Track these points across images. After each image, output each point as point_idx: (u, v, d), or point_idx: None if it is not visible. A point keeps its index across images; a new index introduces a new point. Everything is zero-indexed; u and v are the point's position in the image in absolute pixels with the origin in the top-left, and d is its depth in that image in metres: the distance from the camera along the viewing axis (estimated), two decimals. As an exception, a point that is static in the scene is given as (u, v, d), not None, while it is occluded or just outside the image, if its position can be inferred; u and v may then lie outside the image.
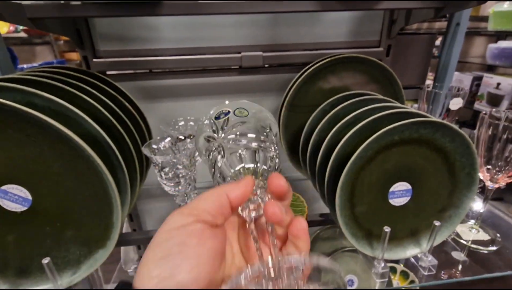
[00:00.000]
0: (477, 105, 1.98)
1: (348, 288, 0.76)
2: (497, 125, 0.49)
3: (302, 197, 0.58)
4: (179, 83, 0.71)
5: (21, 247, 0.41)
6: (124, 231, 0.85)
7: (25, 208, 0.39)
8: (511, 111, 0.53)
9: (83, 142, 0.37)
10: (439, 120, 0.42)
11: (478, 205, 0.60)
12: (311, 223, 0.65)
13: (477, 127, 0.52)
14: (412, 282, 0.85)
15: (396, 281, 0.87)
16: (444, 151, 0.45)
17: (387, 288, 0.66)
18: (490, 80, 1.90)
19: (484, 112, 0.51)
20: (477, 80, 2.00)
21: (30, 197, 0.39)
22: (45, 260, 0.39)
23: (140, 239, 0.64)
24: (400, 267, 0.89)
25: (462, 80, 2.09)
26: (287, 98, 0.64)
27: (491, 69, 2.20)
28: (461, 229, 0.57)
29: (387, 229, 0.44)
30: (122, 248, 0.86)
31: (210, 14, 0.47)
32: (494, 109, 0.53)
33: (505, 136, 0.49)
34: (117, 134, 0.49)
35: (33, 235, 0.41)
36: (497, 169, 0.50)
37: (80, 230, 0.42)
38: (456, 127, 0.43)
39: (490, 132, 0.50)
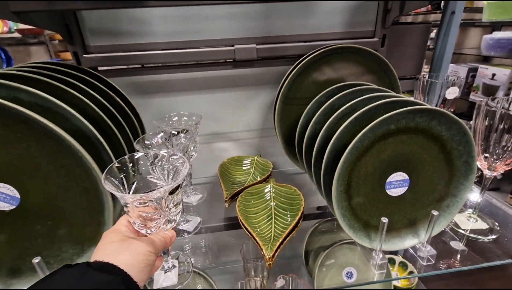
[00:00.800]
0: (472, 96, 1.98)
1: (348, 280, 0.75)
2: (494, 113, 0.48)
3: (299, 191, 0.58)
4: (172, 77, 0.70)
5: (12, 247, 0.40)
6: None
7: (14, 207, 0.38)
8: (507, 98, 0.52)
9: (70, 138, 0.36)
10: (435, 108, 0.42)
11: (475, 195, 0.59)
12: (308, 217, 0.65)
13: (473, 116, 0.51)
14: (411, 272, 0.86)
15: (395, 272, 0.87)
16: (441, 139, 0.44)
17: (385, 279, 0.66)
18: (485, 71, 1.90)
19: (480, 100, 0.50)
20: (473, 72, 2.00)
21: (18, 196, 0.38)
22: (36, 260, 0.38)
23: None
24: (399, 258, 0.89)
25: (457, 71, 2.08)
26: (281, 91, 0.63)
27: (486, 60, 2.20)
28: (459, 218, 0.57)
29: (384, 220, 0.44)
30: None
31: (199, 5, 0.45)
32: (490, 97, 0.53)
33: (501, 124, 0.48)
34: (108, 130, 0.48)
35: (23, 234, 0.40)
36: (494, 157, 0.50)
37: (72, 228, 0.41)
38: (452, 114, 0.42)
39: (486, 121, 0.49)
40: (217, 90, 0.73)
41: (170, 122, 0.62)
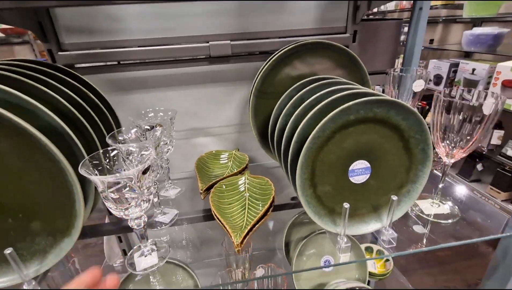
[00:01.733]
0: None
1: (326, 269, 0.78)
2: (451, 103, 0.51)
3: (271, 181, 0.60)
4: (148, 74, 0.71)
5: (-16, 240, 0.41)
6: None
7: (-16, 201, 0.39)
8: (466, 89, 0.55)
9: (38, 132, 0.37)
10: (391, 98, 0.44)
11: (460, 185, 0.62)
12: (284, 207, 0.67)
13: (432, 106, 0.54)
14: (387, 260, 0.89)
15: (373, 260, 0.90)
16: (399, 128, 0.47)
17: (356, 260, 0.69)
18: (466, 66, 1.95)
19: (438, 91, 0.53)
20: (454, 67, 2.06)
21: (-12, 189, 0.39)
22: (8, 251, 0.39)
23: (117, 229, 0.65)
24: (376, 247, 0.92)
25: (440, 67, 2.14)
26: (255, 85, 0.65)
27: (467, 55, 2.26)
28: (424, 205, 0.60)
29: (346, 205, 0.46)
30: (105, 244, 0.86)
31: (174, 1, 0.47)
32: (449, 89, 0.56)
33: (459, 113, 0.51)
34: (81, 126, 0.49)
35: (-5, 227, 0.41)
36: (452, 145, 0.53)
37: (44, 221, 0.42)
38: (408, 105, 0.45)
39: (444, 110, 0.52)
40: (194, 86, 0.74)
41: (146, 118, 0.64)
